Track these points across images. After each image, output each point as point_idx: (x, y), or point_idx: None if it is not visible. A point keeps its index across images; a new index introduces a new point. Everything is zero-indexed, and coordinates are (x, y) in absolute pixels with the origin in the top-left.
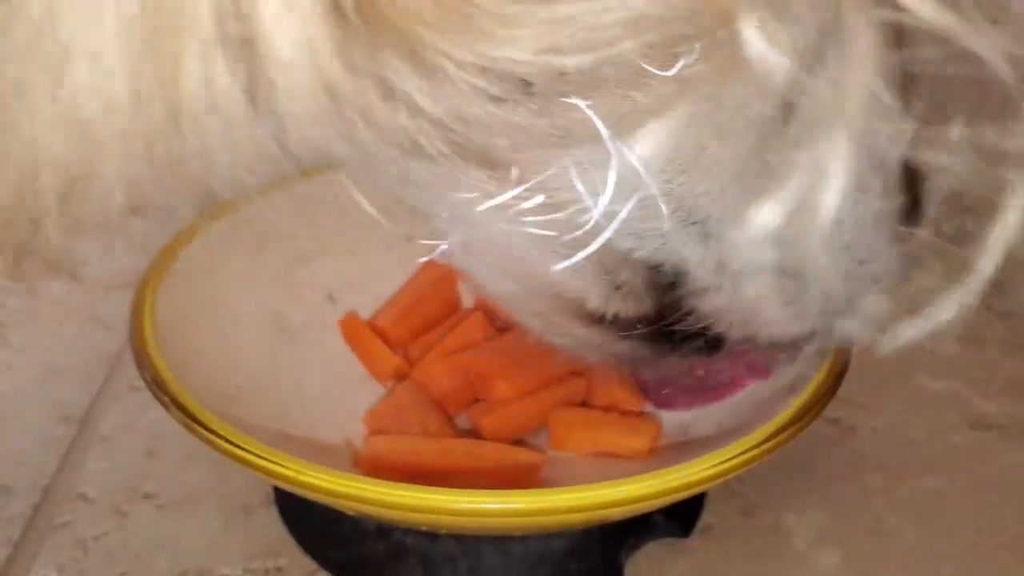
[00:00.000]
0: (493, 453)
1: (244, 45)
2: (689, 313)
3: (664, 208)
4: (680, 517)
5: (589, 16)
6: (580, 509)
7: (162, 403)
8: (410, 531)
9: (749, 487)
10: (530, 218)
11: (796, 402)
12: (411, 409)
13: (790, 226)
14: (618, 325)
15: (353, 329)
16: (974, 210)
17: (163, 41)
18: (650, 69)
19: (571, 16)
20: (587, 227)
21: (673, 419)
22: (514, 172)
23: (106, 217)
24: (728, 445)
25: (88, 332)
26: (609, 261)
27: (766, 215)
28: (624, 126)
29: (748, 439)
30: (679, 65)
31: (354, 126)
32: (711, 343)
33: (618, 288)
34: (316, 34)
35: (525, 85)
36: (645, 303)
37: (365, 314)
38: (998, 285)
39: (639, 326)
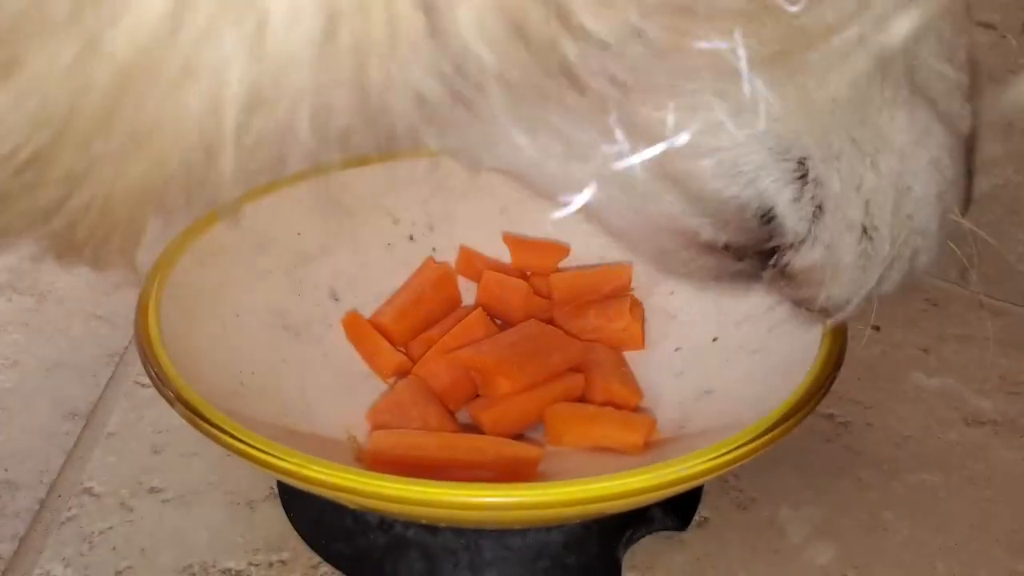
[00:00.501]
0: (492, 447)
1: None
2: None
3: (766, 146)
4: (677, 511)
5: None
6: (579, 502)
7: (167, 399)
8: (411, 524)
9: (745, 481)
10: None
11: (791, 397)
12: (412, 405)
13: (879, 190)
14: (731, 252)
15: (356, 327)
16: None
17: None
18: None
19: None
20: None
21: (668, 414)
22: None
23: (283, 153)
24: (724, 440)
25: (93, 329)
26: (711, 202)
27: (867, 173)
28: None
29: (744, 434)
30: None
31: (519, 50)
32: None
33: (727, 223)
34: None
35: (683, 11)
36: (756, 233)
37: (367, 312)
38: (993, 282)
39: (750, 250)
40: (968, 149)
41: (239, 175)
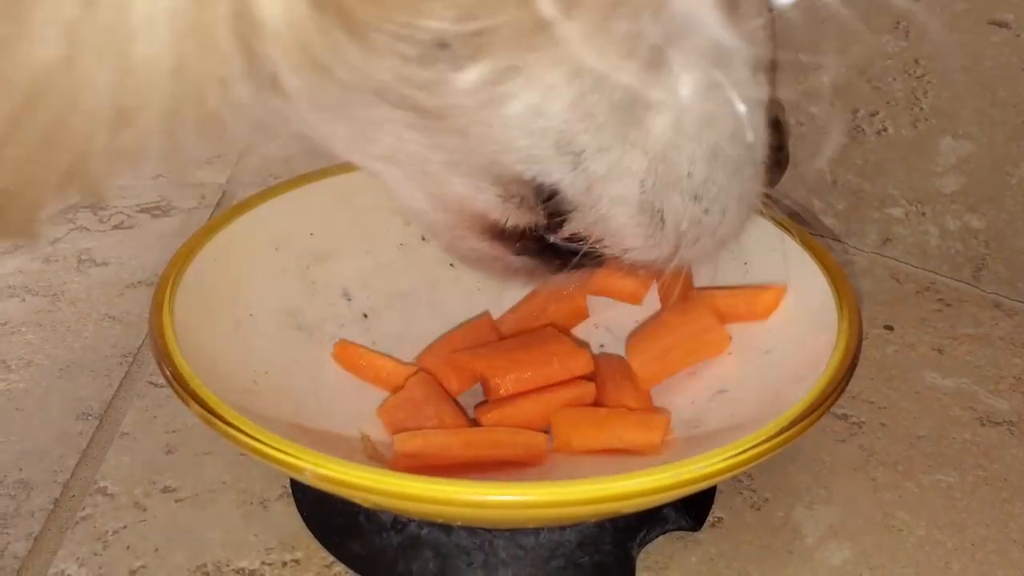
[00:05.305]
0: (510, 437)
1: (247, 25)
2: (564, 228)
3: (549, 137)
4: (691, 511)
5: None
6: (593, 501)
7: (182, 399)
8: (425, 523)
9: (759, 482)
10: (444, 146)
11: (806, 398)
12: (425, 402)
13: (651, 173)
14: (514, 238)
15: (347, 355)
16: None
17: (201, 15)
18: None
19: None
20: (488, 152)
21: (682, 414)
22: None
23: (144, 152)
24: (739, 439)
25: (106, 329)
26: (504, 178)
27: (631, 158)
28: (519, 77)
29: (759, 434)
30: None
31: (312, 68)
32: (592, 260)
33: (511, 198)
34: (297, 11)
35: (442, 47)
36: (535, 213)
37: (379, 312)
38: (1006, 281)
39: (532, 234)
40: (772, 125)
41: (108, 168)
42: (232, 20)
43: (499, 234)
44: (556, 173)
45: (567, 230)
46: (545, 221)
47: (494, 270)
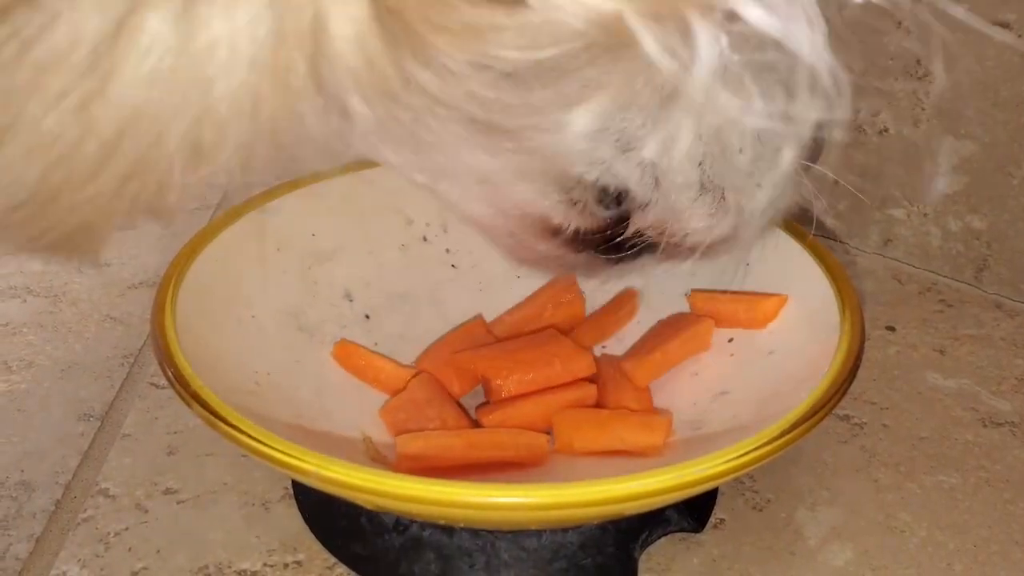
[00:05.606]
0: (512, 438)
1: (323, 62)
2: (630, 226)
3: (610, 139)
4: (693, 512)
5: (545, 23)
6: (596, 503)
7: (184, 400)
8: (427, 525)
9: (761, 483)
10: (507, 157)
11: (808, 399)
12: (427, 403)
13: (708, 155)
14: (577, 240)
15: (348, 355)
16: None
17: (279, 57)
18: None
19: (535, 23)
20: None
21: (684, 416)
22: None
23: (215, 183)
24: (741, 441)
25: (108, 330)
26: (566, 183)
27: (687, 143)
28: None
29: (761, 435)
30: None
31: (382, 97)
32: (649, 248)
33: (574, 204)
34: (367, 32)
35: (508, 75)
36: (598, 217)
37: (380, 313)
38: (1007, 282)
39: (595, 238)
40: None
41: (183, 200)
42: (308, 60)
43: (560, 236)
44: (621, 172)
45: (633, 227)
46: (608, 222)
47: (553, 268)
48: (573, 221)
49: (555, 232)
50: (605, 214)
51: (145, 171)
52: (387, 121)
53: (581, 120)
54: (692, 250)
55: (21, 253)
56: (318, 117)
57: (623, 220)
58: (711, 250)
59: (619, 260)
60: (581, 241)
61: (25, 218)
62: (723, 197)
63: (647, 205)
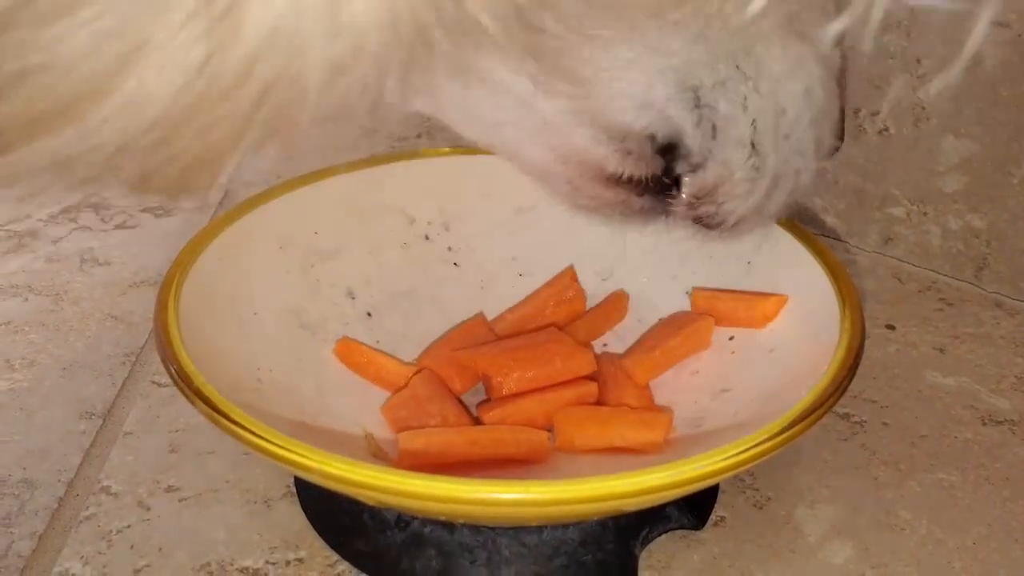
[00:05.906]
0: (512, 435)
1: None
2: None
3: (669, 80)
4: (694, 509)
5: None
6: (596, 499)
7: (188, 397)
8: (428, 522)
9: (761, 480)
10: (562, 100)
11: (808, 397)
12: (428, 400)
13: (761, 111)
14: (633, 185)
15: (349, 352)
16: None
17: None
18: None
19: None
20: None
21: (684, 413)
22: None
23: (349, 107)
24: (741, 438)
25: (110, 328)
26: (618, 132)
27: (751, 95)
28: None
29: (761, 433)
30: None
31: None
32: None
33: (629, 153)
34: None
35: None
36: (652, 164)
37: (382, 311)
38: (1007, 281)
39: (651, 184)
40: (840, 87)
41: (313, 123)
42: None
43: (618, 182)
44: (677, 119)
45: (691, 186)
46: (661, 171)
47: (613, 216)
48: (627, 169)
49: (612, 179)
50: (655, 160)
51: (283, 89)
52: (457, 64)
53: (646, 60)
54: (724, 220)
55: (132, 194)
56: (450, 33)
57: (673, 172)
58: (738, 225)
59: (679, 204)
60: (638, 187)
61: (148, 145)
62: (764, 160)
63: (700, 162)
